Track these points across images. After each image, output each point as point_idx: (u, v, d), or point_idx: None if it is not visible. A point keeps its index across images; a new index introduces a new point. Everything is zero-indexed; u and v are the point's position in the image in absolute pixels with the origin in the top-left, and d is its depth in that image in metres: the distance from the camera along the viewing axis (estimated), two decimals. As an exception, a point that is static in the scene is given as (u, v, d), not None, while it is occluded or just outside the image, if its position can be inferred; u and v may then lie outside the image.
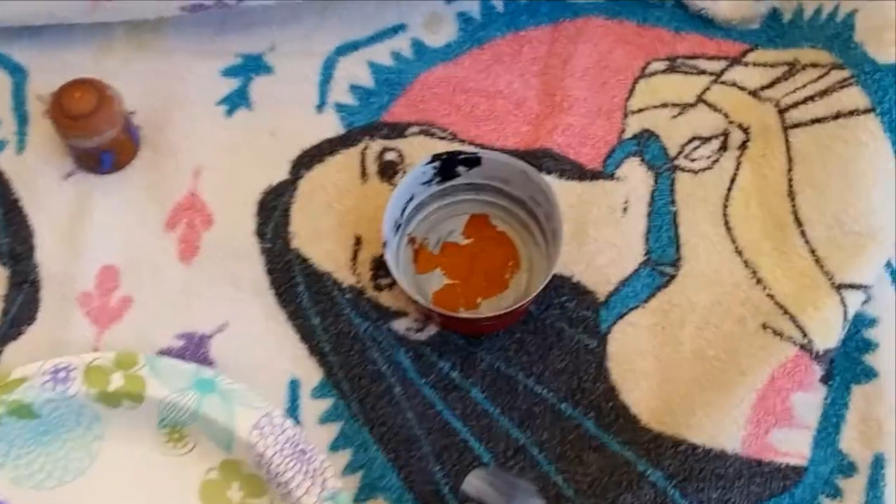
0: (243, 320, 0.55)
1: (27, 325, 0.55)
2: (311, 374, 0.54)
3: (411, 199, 0.55)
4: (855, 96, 0.55)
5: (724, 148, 0.59)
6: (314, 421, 0.53)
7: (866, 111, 0.54)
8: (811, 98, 0.57)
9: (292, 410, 0.53)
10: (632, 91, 0.61)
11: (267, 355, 0.54)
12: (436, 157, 0.54)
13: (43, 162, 0.59)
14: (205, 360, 0.54)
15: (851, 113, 0.55)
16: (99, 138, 0.55)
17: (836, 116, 0.55)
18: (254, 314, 0.55)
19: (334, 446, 0.52)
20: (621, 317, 0.55)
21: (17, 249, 0.56)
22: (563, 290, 0.56)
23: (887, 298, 0.55)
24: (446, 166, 0.55)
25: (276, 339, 0.55)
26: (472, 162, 0.55)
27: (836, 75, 0.57)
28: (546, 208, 0.54)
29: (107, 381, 0.51)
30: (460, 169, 0.55)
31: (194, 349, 0.54)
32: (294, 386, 0.54)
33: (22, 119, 0.60)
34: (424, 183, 0.55)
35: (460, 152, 0.54)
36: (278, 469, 0.49)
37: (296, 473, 0.49)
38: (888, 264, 0.56)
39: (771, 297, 0.54)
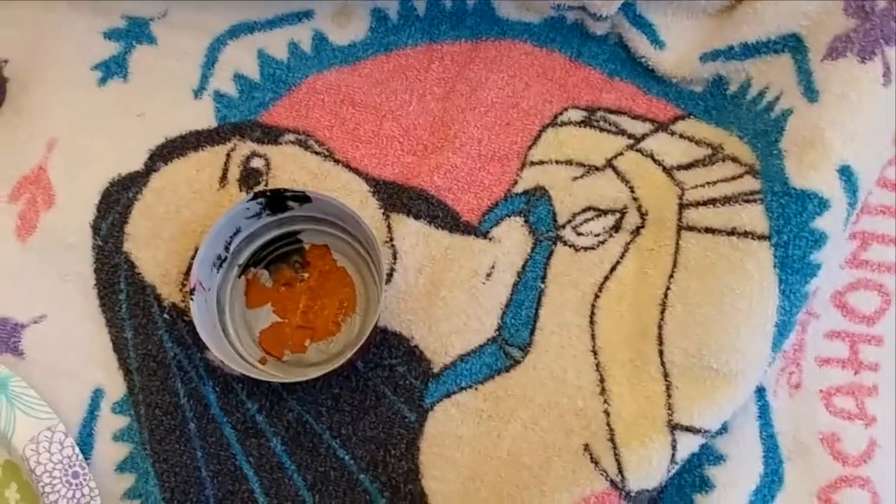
0: (62, 316, 0.53)
1: None
2: (115, 387, 0.52)
3: (237, 232, 0.51)
4: (755, 216, 0.47)
5: (616, 228, 0.52)
6: (109, 436, 0.51)
7: (761, 237, 0.47)
8: (714, 202, 0.49)
9: (90, 420, 0.51)
10: (537, 138, 0.54)
11: (77, 358, 0.52)
12: (258, 195, 0.49)
13: None
14: (14, 350, 0.52)
15: (746, 234, 0.47)
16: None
17: (731, 233, 0.48)
18: (73, 312, 0.53)
19: (121, 467, 0.51)
20: (449, 395, 0.51)
21: None
22: (398, 352, 0.52)
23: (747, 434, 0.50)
24: (273, 202, 0.50)
25: (89, 344, 0.52)
26: (302, 199, 0.50)
27: (747, 183, 0.49)
28: (375, 256, 0.50)
29: None
30: (291, 203, 0.51)
31: (6, 336, 0.52)
32: (97, 395, 0.52)
33: None
34: (251, 217, 0.51)
35: (287, 190, 0.50)
36: (44, 489, 0.48)
37: (59, 498, 0.48)
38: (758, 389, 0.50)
39: (606, 413, 0.49)
